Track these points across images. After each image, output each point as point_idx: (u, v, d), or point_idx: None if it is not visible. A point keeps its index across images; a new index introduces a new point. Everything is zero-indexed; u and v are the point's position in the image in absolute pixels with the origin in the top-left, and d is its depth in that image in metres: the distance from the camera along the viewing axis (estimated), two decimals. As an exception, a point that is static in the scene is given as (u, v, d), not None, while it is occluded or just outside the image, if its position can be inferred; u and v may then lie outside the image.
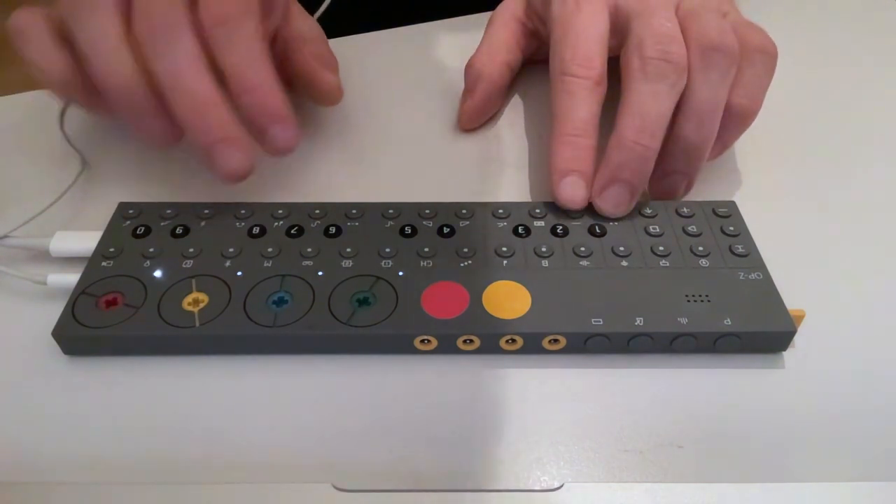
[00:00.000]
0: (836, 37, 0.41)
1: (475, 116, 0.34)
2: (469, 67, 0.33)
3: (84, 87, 0.27)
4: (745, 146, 0.33)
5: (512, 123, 0.35)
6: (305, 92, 0.32)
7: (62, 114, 0.32)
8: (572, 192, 0.27)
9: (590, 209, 0.27)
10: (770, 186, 0.31)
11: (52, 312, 0.24)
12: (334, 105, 0.33)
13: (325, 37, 0.33)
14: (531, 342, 0.24)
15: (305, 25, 0.32)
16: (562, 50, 0.29)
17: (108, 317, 0.24)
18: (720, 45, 0.27)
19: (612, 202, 0.27)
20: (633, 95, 0.27)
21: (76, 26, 0.25)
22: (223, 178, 0.26)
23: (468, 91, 0.33)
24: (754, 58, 0.28)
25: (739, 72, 0.28)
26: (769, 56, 0.28)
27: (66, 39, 0.26)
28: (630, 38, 0.28)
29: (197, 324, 0.23)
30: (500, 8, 0.35)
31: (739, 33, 0.28)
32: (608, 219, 0.27)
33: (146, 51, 0.25)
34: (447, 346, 0.24)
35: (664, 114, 0.26)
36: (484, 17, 0.42)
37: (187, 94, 0.25)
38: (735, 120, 0.28)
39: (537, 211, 0.27)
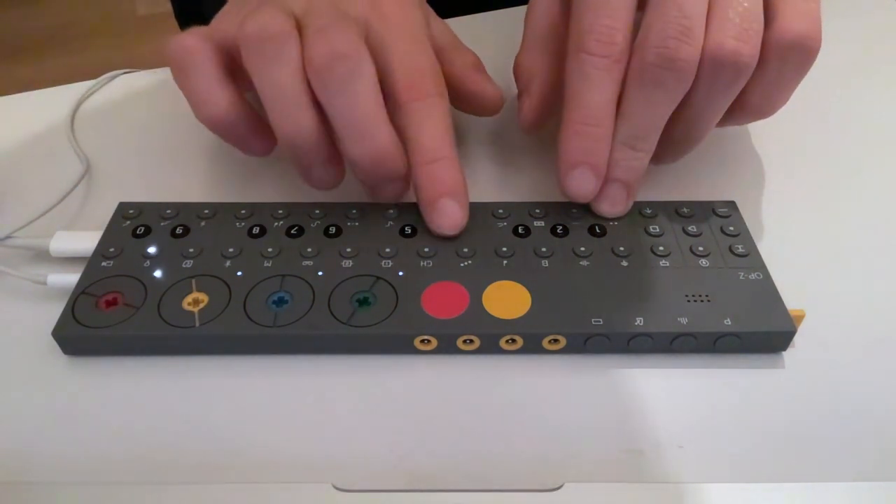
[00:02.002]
0: (836, 36, 0.41)
1: (538, 117, 0.30)
2: (517, 67, 0.30)
3: (244, 131, 0.27)
4: (745, 146, 0.33)
5: (512, 122, 0.35)
6: (462, 105, 0.31)
7: (73, 115, 0.32)
8: (580, 184, 0.26)
9: (590, 209, 0.27)
10: (770, 186, 0.31)
11: (52, 312, 0.24)
12: (496, 115, 0.31)
13: (458, 41, 0.31)
14: (531, 342, 0.24)
15: (445, 31, 0.31)
16: (580, 18, 0.25)
17: (108, 317, 0.24)
18: (732, 58, 0.24)
19: (608, 201, 0.27)
20: (628, 99, 0.26)
21: (257, 74, 0.25)
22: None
23: (523, 92, 0.30)
24: (786, 57, 0.25)
25: (763, 70, 0.25)
26: (806, 52, 0.25)
27: (232, 73, 0.26)
28: (642, 25, 0.25)
29: (197, 324, 0.23)
30: None
31: (777, 21, 0.24)
32: (608, 219, 0.27)
33: (341, 131, 0.25)
34: (447, 346, 0.24)
35: (660, 118, 0.26)
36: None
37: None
38: (746, 114, 0.27)
39: (537, 211, 0.27)
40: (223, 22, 0.28)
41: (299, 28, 0.25)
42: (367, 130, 0.25)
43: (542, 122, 0.30)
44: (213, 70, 0.26)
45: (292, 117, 0.25)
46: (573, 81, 0.26)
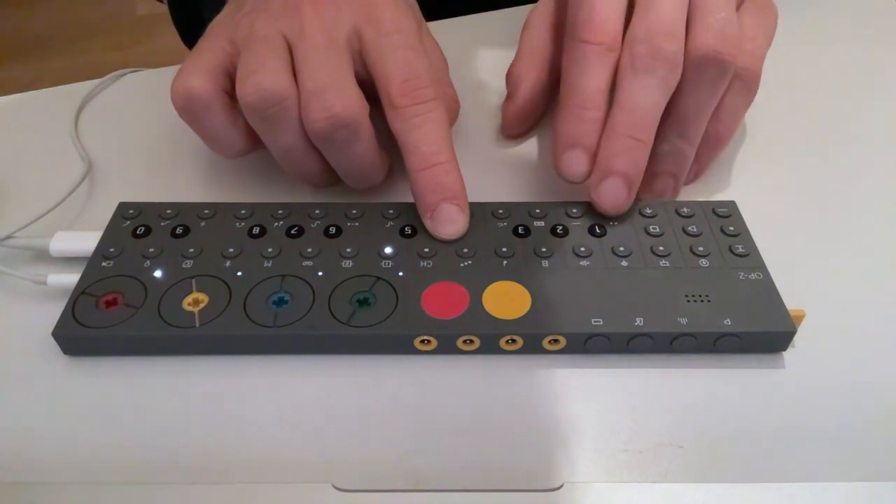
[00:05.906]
0: (836, 36, 0.41)
1: (518, 122, 0.33)
2: (508, 75, 0.33)
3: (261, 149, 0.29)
4: (745, 146, 0.33)
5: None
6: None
7: (77, 114, 0.32)
8: (573, 166, 0.27)
9: (590, 209, 0.27)
10: (770, 186, 0.31)
11: (52, 312, 0.24)
12: None
13: (446, 72, 0.31)
14: (531, 342, 0.24)
15: (437, 54, 0.31)
16: (576, 13, 0.27)
17: (108, 317, 0.24)
18: (716, 55, 0.26)
19: (609, 196, 0.26)
20: (623, 89, 0.26)
21: (261, 134, 0.27)
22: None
23: (508, 98, 0.33)
24: (734, 82, 0.27)
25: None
26: (750, 78, 0.27)
27: (238, 110, 0.27)
28: (630, 26, 0.27)
29: (197, 324, 0.23)
30: (532, 11, 0.33)
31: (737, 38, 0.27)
32: (608, 219, 0.27)
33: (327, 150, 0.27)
34: (447, 347, 0.24)
35: (655, 107, 0.26)
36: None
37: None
38: (707, 144, 0.28)
39: (537, 211, 0.27)
40: (220, 37, 0.28)
41: (294, 65, 0.26)
42: (366, 176, 0.29)
43: (520, 128, 0.33)
44: (221, 110, 0.27)
45: (299, 166, 0.28)
46: (569, 69, 0.27)
